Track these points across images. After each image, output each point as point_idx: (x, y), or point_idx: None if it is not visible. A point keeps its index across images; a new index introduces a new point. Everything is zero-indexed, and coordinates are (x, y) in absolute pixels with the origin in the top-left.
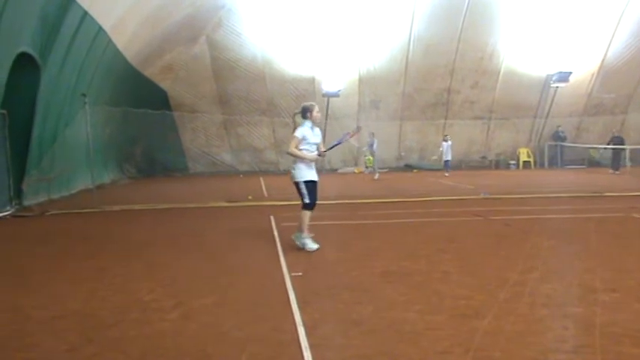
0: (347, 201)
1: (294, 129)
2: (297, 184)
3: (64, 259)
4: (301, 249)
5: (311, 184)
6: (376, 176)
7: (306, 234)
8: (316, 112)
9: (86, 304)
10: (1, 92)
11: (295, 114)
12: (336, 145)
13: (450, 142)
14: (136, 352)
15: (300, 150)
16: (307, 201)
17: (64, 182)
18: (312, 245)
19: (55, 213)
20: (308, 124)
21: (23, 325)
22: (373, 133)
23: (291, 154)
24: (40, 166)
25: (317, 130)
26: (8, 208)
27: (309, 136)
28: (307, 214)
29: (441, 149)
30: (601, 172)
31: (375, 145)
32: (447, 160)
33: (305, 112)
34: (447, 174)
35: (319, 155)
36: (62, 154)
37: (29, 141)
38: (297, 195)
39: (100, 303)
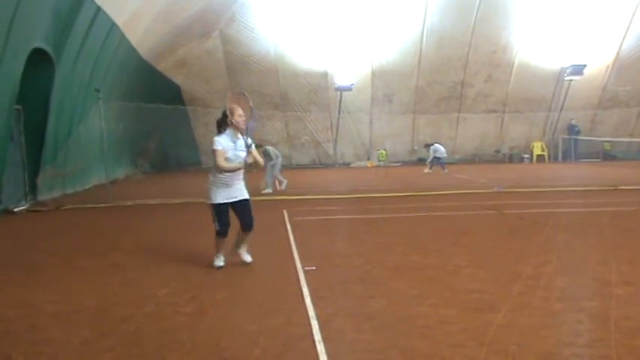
0: (359, 195)
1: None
2: (210, 206)
3: (78, 254)
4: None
5: (226, 207)
6: (267, 189)
7: (217, 254)
8: (238, 116)
9: (100, 298)
10: (16, 88)
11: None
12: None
13: None
14: (151, 346)
15: (214, 170)
16: (216, 227)
17: (79, 177)
18: (217, 262)
19: (69, 208)
20: (228, 131)
21: (37, 319)
22: (268, 149)
23: (226, 170)
24: (55, 161)
25: (241, 142)
26: (23, 202)
27: (227, 148)
28: (219, 240)
29: None
30: (615, 166)
31: (277, 162)
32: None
33: (224, 117)
34: None
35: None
36: (76, 149)
37: (44, 136)
38: (309, 189)
39: (114, 297)
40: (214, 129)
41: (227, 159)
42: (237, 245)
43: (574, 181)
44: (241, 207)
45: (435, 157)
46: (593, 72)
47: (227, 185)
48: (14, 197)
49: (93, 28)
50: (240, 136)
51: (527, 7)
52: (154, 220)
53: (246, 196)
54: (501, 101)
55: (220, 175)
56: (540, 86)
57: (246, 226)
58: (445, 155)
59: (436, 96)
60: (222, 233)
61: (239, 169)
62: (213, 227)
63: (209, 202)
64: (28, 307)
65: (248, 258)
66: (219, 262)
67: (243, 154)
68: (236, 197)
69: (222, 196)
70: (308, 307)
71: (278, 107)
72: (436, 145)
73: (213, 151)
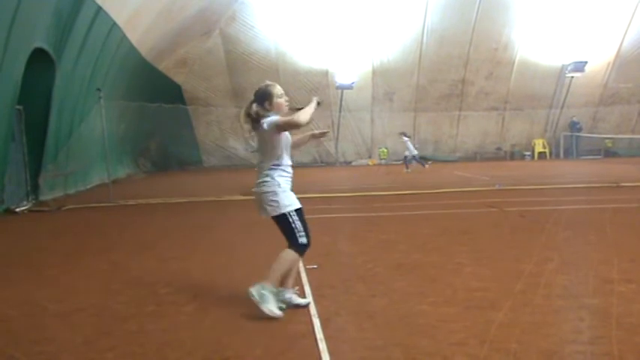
0: (361, 193)
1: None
2: (282, 217)
3: (80, 253)
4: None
5: (301, 213)
6: None
7: (273, 288)
8: (278, 97)
9: (102, 297)
10: (17, 88)
11: (249, 106)
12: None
13: None
14: (153, 344)
15: (277, 163)
16: (305, 240)
17: (80, 177)
18: (275, 310)
19: (71, 208)
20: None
21: (39, 318)
22: None
23: (306, 121)
24: (56, 161)
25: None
26: (25, 203)
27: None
28: (297, 260)
29: None
30: (617, 163)
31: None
32: None
33: (262, 99)
34: None
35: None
36: (78, 149)
37: (45, 136)
38: (310, 187)
39: (116, 296)
40: (215, 128)
41: (285, 151)
42: (285, 284)
43: (575, 178)
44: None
45: (405, 155)
46: (595, 69)
47: (289, 185)
48: (16, 197)
49: (93, 27)
50: None
51: (527, 4)
52: (156, 220)
53: None
54: (502, 99)
55: (285, 173)
56: (541, 83)
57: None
58: (414, 152)
59: (437, 94)
60: (308, 246)
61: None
62: (292, 245)
63: (287, 209)
64: (29, 305)
65: (304, 300)
66: (277, 308)
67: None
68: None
69: (296, 199)
70: (310, 306)
71: None
72: (406, 138)
73: (276, 120)
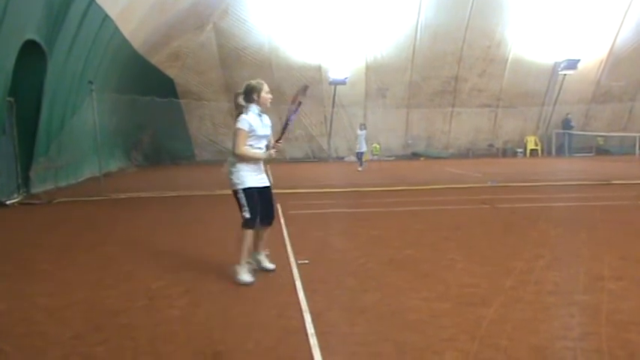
0: (353, 189)
1: (237, 115)
2: (235, 192)
3: (71, 247)
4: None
5: (256, 192)
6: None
7: (244, 262)
8: (265, 93)
9: (93, 291)
10: (8, 80)
11: (237, 95)
12: (286, 127)
13: None
14: (144, 338)
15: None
16: (247, 215)
17: (72, 170)
18: (245, 277)
19: (62, 201)
20: (255, 109)
21: (30, 312)
22: None
23: (242, 156)
24: (48, 153)
25: (266, 118)
26: (16, 195)
27: (257, 126)
28: (247, 234)
29: None
30: (608, 160)
31: None
32: None
33: (250, 94)
34: None
35: (274, 149)
36: (69, 142)
37: (36, 129)
38: (302, 183)
39: (108, 291)
40: (208, 122)
41: (254, 137)
42: (256, 248)
43: (567, 175)
44: (267, 194)
45: (358, 152)
46: (587, 66)
47: (256, 170)
48: (6, 190)
49: (86, 19)
50: (265, 114)
51: (521, 1)
52: (148, 213)
53: (269, 183)
54: (495, 96)
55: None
56: (534, 81)
57: (271, 216)
58: (363, 150)
59: (430, 90)
60: (252, 221)
61: (260, 159)
62: (240, 218)
63: (237, 187)
64: (20, 300)
65: (271, 265)
66: (248, 276)
67: (269, 131)
68: (264, 183)
69: (252, 180)
70: (301, 301)
71: (272, 101)
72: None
73: (237, 130)
